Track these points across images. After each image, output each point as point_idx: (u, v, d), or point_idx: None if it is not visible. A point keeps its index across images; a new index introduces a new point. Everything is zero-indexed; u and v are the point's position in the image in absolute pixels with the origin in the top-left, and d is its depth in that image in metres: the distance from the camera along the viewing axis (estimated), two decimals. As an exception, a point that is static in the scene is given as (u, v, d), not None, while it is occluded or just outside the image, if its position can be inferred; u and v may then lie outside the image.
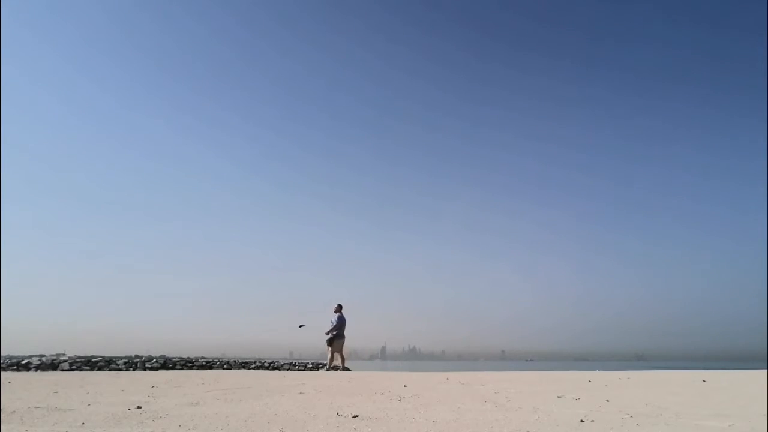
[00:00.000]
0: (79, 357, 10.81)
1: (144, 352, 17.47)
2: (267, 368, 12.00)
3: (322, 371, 11.59)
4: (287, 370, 11.95)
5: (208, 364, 11.73)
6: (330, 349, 11.16)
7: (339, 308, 11.29)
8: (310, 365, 13.28)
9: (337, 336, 11.07)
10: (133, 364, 10.65)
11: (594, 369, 12.58)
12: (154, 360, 11.43)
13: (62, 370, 9.42)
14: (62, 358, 10.79)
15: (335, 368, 10.95)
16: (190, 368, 11.10)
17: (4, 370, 9.15)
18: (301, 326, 11.83)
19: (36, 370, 9.28)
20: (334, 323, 11.10)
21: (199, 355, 16.16)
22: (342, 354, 11.13)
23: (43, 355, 12.00)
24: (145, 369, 10.44)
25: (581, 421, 3.22)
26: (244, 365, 11.99)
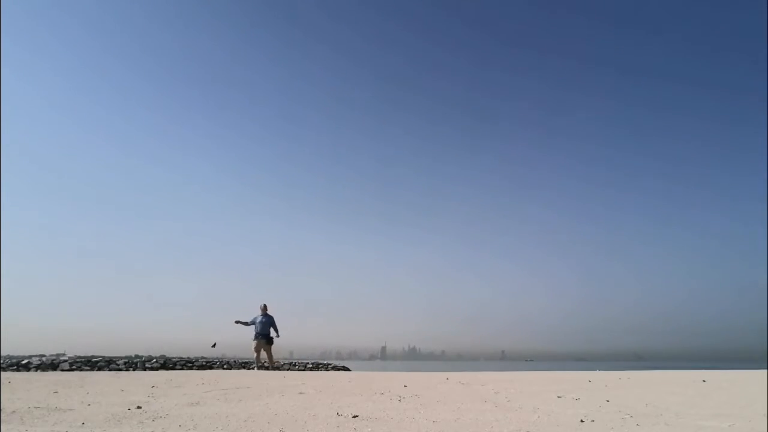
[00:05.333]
0: (79, 357, 10.80)
1: (144, 352, 17.51)
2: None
3: (321, 371, 11.60)
4: (287, 370, 11.95)
5: (208, 364, 11.72)
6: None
7: (264, 309, 11.51)
8: (310, 365, 13.29)
9: (258, 336, 11.25)
10: (133, 364, 10.64)
11: (594, 369, 12.58)
12: (154, 360, 11.43)
13: (62, 370, 9.42)
14: (62, 358, 10.79)
15: (263, 367, 11.10)
16: (190, 368, 11.10)
17: (4, 370, 9.15)
18: (213, 345, 11.97)
19: (36, 370, 9.28)
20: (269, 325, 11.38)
21: (199, 355, 16.18)
22: (258, 354, 11.25)
23: (43, 355, 12.00)
24: (145, 369, 10.43)
25: (581, 421, 3.22)
26: (244, 365, 11.98)
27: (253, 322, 11.45)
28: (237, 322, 11.45)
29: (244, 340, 11.68)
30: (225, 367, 11.66)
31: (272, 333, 11.45)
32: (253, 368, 11.10)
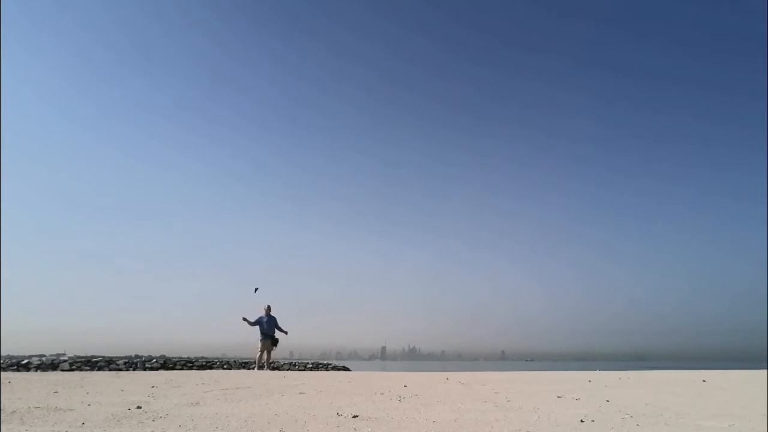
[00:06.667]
0: (79, 357, 10.81)
1: (144, 352, 17.51)
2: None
3: (321, 371, 11.59)
4: (287, 370, 11.95)
5: (208, 364, 11.73)
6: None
7: (268, 309, 11.63)
8: (310, 365, 13.29)
9: (265, 336, 11.35)
10: (133, 364, 10.64)
11: (594, 369, 12.57)
12: (154, 360, 11.43)
13: (62, 370, 9.42)
14: (62, 358, 10.79)
15: (262, 367, 11.17)
16: (190, 368, 11.10)
17: (4, 370, 9.15)
18: (256, 290, 11.82)
19: (36, 370, 9.28)
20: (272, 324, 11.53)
21: (199, 355, 16.21)
22: (262, 354, 11.32)
23: (43, 355, 12.00)
24: (145, 369, 10.43)
25: (581, 421, 3.22)
26: (244, 365, 11.98)
27: (258, 323, 11.44)
28: (244, 319, 11.43)
29: (241, 341, 11.71)
30: (225, 367, 11.66)
31: (277, 334, 11.46)
32: (252, 368, 11.10)
